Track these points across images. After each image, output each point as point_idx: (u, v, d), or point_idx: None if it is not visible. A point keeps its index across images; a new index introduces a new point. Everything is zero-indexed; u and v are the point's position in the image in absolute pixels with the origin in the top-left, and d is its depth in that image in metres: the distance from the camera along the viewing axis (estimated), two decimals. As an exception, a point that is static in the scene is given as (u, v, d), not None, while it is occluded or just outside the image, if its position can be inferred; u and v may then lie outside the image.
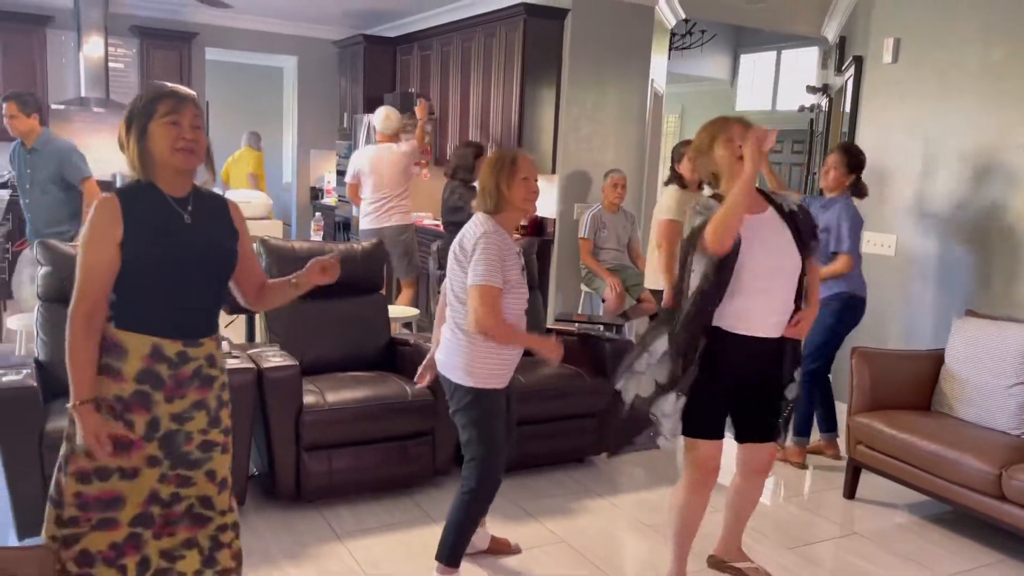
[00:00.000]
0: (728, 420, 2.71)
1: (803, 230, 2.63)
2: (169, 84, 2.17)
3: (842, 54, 6.23)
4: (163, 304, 2.04)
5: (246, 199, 5.91)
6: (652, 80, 6.19)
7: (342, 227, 7.69)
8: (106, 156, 8.07)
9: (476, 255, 2.54)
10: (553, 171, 5.92)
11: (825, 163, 4.11)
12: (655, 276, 4.61)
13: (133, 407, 2.01)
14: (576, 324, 4.09)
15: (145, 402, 2.02)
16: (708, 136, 2.64)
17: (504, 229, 2.64)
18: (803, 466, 4.15)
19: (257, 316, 3.82)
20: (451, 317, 2.68)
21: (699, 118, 11.87)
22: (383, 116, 5.81)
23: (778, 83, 10.87)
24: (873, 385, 3.71)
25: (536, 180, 2.66)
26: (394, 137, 5.82)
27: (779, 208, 2.65)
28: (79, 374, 1.97)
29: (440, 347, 2.74)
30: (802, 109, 9.71)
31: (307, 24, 8.44)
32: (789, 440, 4.10)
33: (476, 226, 2.61)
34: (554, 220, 5.95)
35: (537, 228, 6.07)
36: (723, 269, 2.49)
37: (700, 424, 2.62)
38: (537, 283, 4.36)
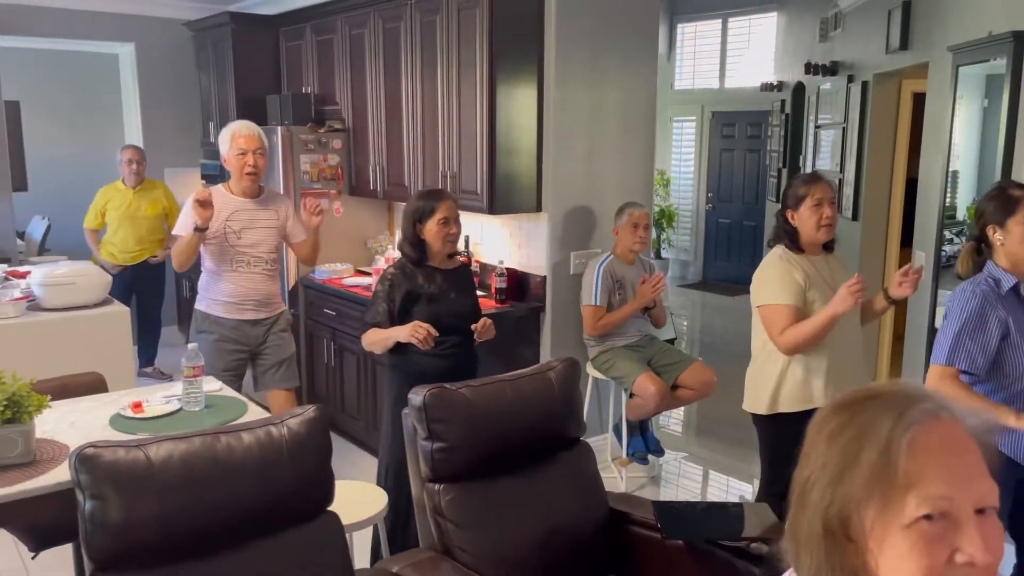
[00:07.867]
0: None
1: None
2: None
3: (905, 28, 4.62)
4: None
5: (69, 279, 3.71)
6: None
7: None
8: None
9: None
10: (539, 207, 4.06)
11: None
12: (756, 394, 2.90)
13: None
14: (701, 531, 2.29)
15: None
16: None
17: None
18: None
19: None
20: None
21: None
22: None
23: (725, 57, 9.36)
24: None
25: None
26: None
27: None
28: None
29: None
30: (771, 88, 8.24)
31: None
32: None
33: None
34: (543, 278, 4.10)
35: (519, 290, 4.20)
36: None
37: None
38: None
